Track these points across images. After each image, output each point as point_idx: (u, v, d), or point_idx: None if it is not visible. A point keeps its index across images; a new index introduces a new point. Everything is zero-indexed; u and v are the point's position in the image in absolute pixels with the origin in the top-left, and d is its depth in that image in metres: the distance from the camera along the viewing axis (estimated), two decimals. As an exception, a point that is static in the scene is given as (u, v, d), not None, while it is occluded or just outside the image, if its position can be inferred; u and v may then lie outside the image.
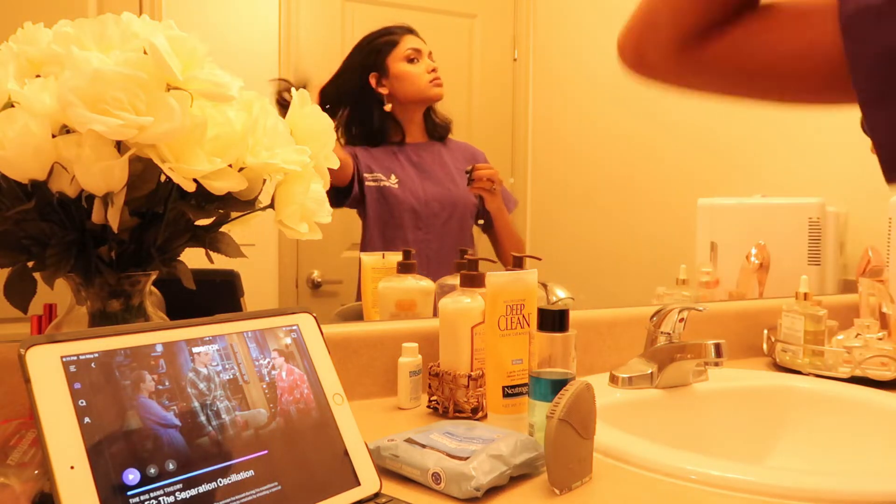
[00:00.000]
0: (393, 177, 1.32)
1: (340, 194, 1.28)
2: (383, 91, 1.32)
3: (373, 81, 1.32)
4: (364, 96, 1.32)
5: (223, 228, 0.70)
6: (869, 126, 0.44)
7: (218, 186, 0.62)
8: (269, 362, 0.61)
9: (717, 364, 1.00)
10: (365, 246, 1.30)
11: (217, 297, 1.09)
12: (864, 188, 1.49)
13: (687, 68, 0.52)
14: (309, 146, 0.69)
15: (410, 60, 1.33)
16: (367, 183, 1.30)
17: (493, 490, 0.66)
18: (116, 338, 0.53)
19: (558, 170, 1.60)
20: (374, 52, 1.33)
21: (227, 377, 0.58)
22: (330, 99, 1.31)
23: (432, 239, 1.32)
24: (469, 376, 0.89)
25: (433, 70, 1.35)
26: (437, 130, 1.39)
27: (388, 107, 1.32)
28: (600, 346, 1.18)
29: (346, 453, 0.62)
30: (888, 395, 1.02)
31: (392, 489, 0.66)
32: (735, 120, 1.69)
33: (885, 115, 0.43)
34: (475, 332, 0.90)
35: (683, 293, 1.42)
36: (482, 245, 1.40)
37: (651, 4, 0.55)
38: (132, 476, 0.49)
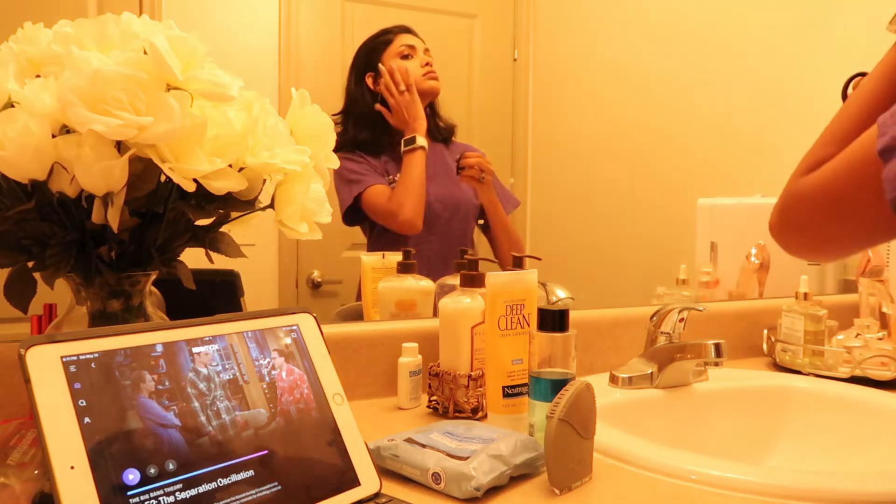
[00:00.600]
0: (397, 177, 1.32)
1: (359, 214, 1.29)
2: (380, 90, 1.32)
3: (369, 82, 1.32)
4: (363, 98, 1.32)
5: (223, 228, 0.70)
6: None
7: (218, 186, 0.62)
8: (269, 362, 0.61)
9: (717, 364, 1.00)
10: (370, 246, 1.30)
11: (217, 297, 1.09)
12: (864, 188, 1.49)
13: (793, 194, 0.59)
14: (309, 146, 0.69)
15: (404, 56, 1.33)
16: None
17: (493, 490, 0.67)
18: (116, 338, 0.53)
19: (558, 170, 1.60)
20: (369, 52, 1.33)
21: (227, 377, 0.58)
22: (344, 110, 1.32)
23: (434, 239, 1.32)
24: (469, 376, 0.89)
25: (427, 64, 1.35)
26: (441, 132, 1.38)
27: (377, 106, 1.32)
28: (600, 346, 1.18)
29: (346, 453, 0.62)
30: (888, 395, 1.02)
31: (392, 489, 0.66)
32: (735, 120, 1.69)
33: None
34: (475, 332, 0.90)
35: (683, 293, 1.42)
36: (483, 245, 1.40)
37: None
38: (132, 476, 0.49)
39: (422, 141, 1.29)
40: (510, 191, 1.47)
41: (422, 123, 1.31)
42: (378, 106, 1.32)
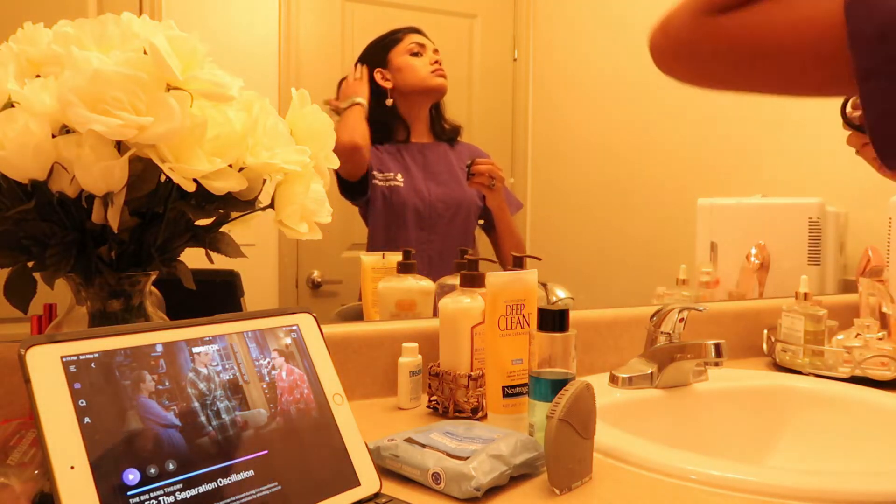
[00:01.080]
0: (399, 176, 1.32)
1: (356, 191, 1.29)
2: (387, 85, 1.33)
3: (377, 77, 1.32)
4: (370, 92, 1.32)
5: (223, 228, 0.70)
6: (863, 101, 0.48)
7: (218, 186, 0.62)
8: (269, 362, 0.61)
9: (717, 364, 1.00)
10: (369, 245, 1.30)
11: (217, 297, 1.09)
12: (864, 188, 1.50)
13: (704, 36, 0.56)
14: (309, 146, 0.69)
15: (414, 54, 1.34)
16: (375, 181, 1.30)
17: (493, 490, 0.67)
18: (116, 338, 0.53)
19: (558, 170, 1.60)
20: (378, 48, 1.34)
21: (227, 377, 0.58)
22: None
23: (435, 239, 1.32)
24: (469, 376, 0.89)
25: (436, 62, 1.35)
26: (445, 133, 1.39)
27: (389, 101, 1.33)
28: (600, 346, 1.18)
29: (346, 453, 0.62)
30: (888, 395, 1.02)
31: (392, 489, 0.66)
32: (735, 120, 1.69)
33: (878, 87, 0.47)
34: (475, 332, 0.90)
35: (683, 293, 1.42)
36: (483, 245, 1.40)
37: None
38: (132, 476, 0.49)
39: (357, 99, 1.30)
40: (512, 192, 1.47)
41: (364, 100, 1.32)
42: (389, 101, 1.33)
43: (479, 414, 0.90)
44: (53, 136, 0.58)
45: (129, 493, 0.49)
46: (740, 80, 0.57)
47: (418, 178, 1.34)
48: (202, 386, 0.56)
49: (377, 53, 1.34)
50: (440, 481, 0.65)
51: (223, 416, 0.56)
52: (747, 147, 1.73)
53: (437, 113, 1.38)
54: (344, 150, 1.26)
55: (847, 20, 0.47)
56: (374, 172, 1.31)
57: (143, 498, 0.49)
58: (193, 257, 0.69)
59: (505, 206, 1.38)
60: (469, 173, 1.35)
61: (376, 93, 1.33)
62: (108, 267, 0.64)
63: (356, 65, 1.33)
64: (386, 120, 1.33)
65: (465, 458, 0.66)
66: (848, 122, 0.80)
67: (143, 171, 0.61)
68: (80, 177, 0.58)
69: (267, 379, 0.60)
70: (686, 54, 0.58)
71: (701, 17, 0.56)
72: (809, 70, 0.52)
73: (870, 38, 0.46)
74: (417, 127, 1.36)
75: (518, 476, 0.69)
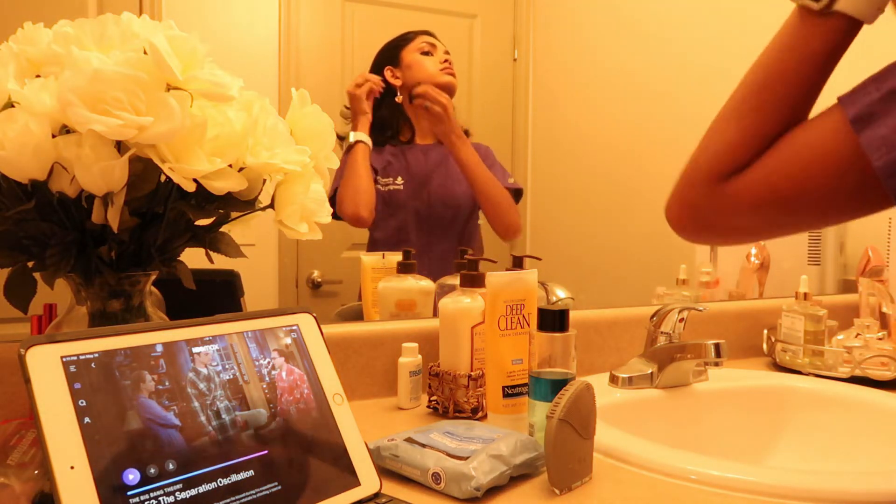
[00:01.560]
0: (399, 178, 1.32)
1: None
2: (396, 82, 1.33)
3: (387, 74, 1.33)
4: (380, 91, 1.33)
5: (223, 228, 0.70)
6: None
7: (218, 186, 0.62)
8: (269, 362, 0.61)
9: (717, 364, 1.00)
10: (370, 246, 1.30)
11: (217, 297, 1.09)
12: (864, 188, 1.49)
13: (727, 207, 0.56)
14: (309, 146, 0.69)
15: (424, 52, 1.35)
16: (377, 187, 1.30)
17: (493, 490, 0.67)
18: (116, 338, 0.53)
19: (558, 170, 1.60)
20: (391, 48, 1.35)
21: (228, 377, 0.58)
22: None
23: (435, 240, 1.32)
24: (469, 376, 0.89)
25: (446, 61, 1.36)
26: None
27: (399, 98, 1.33)
28: (600, 346, 1.18)
29: (346, 453, 0.62)
30: (888, 395, 1.02)
31: (392, 489, 0.66)
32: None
33: None
34: (475, 332, 0.90)
35: (683, 293, 1.42)
36: (485, 246, 1.40)
37: (693, 155, 0.61)
38: (132, 476, 0.49)
39: (356, 136, 1.29)
40: (505, 170, 1.44)
41: (363, 119, 1.30)
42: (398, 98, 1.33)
43: (479, 414, 0.90)
44: (53, 136, 0.58)
45: (129, 493, 0.49)
46: (777, 230, 0.57)
47: (419, 180, 1.34)
48: (202, 386, 0.56)
49: (389, 52, 1.34)
50: (440, 481, 0.65)
51: (223, 416, 0.56)
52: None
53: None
54: (349, 220, 1.27)
55: (870, 157, 0.46)
56: (377, 178, 1.31)
57: (143, 498, 0.49)
58: (193, 257, 0.69)
59: (456, 140, 1.32)
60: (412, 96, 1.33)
61: (386, 91, 1.33)
62: (108, 267, 0.64)
63: (372, 65, 1.33)
64: (392, 120, 1.33)
65: (465, 458, 0.66)
66: None
67: (143, 171, 0.61)
68: (80, 177, 0.58)
69: (267, 379, 0.60)
70: (712, 225, 0.58)
71: (714, 186, 0.56)
72: (841, 203, 0.51)
73: None
74: (423, 128, 1.36)
75: (518, 476, 0.69)
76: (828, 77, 0.55)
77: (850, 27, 0.53)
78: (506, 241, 1.38)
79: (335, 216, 1.28)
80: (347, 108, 1.32)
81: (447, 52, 1.36)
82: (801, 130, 0.52)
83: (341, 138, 1.29)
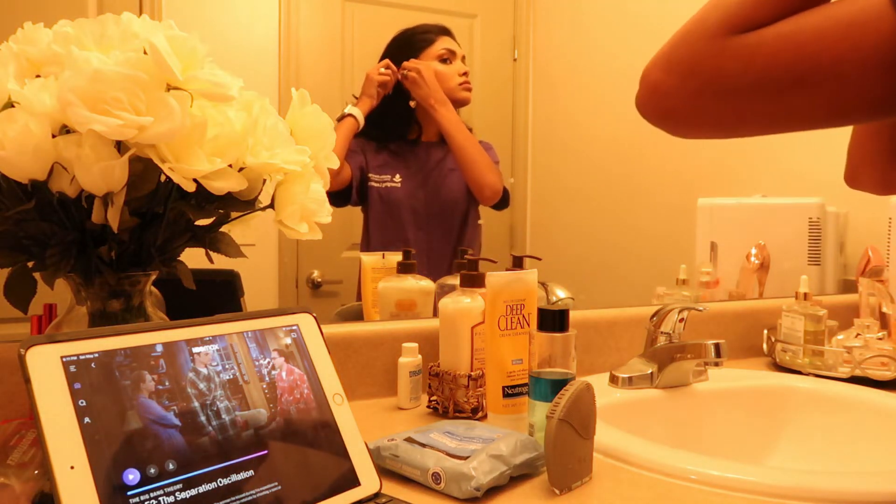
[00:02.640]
0: (397, 176, 1.32)
1: (339, 198, 1.28)
2: (407, 84, 1.32)
3: (402, 75, 1.32)
4: (392, 90, 1.32)
5: (223, 228, 0.70)
6: None
7: (218, 186, 0.62)
8: (269, 362, 0.61)
9: (717, 364, 1.00)
10: (365, 245, 1.30)
11: (217, 297, 1.09)
12: (864, 188, 1.49)
13: (731, 59, 0.46)
14: (309, 146, 0.69)
15: (443, 60, 1.34)
16: (371, 184, 1.30)
17: (493, 490, 0.67)
18: (116, 338, 0.53)
19: (558, 169, 1.60)
20: (408, 46, 1.33)
21: (227, 377, 0.58)
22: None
23: (434, 239, 1.32)
24: (469, 376, 0.89)
25: (464, 73, 1.35)
26: None
27: (413, 103, 1.32)
28: (600, 346, 1.18)
29: (346, 453, 0.62)
30: (888, 395, 1.02)
31: (392, 489, 0.66)
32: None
33: None
34: (475, 332, 0.90)
35: (683, 293, 1.42)
36: (484, 245, 1.40)
37: (696, 15, 0.50)
38: (132, 476, 0.49)
39: (352, 110, 1.28)
40: (510, 190, 1.45)
41: (365, 101, 1.29)
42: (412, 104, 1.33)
43: (479, 414, 0.90)
44: (53, 136, 0.58)
45: (129, 493, 0.49)
46: (782, 111, 0.47)
47: (418, 178, 1.34)
48: (202, 386, 0.56)
49: (408, 52, 1.33)
50: (440, 481, 0.65)
51: (223, 416, 0.56)
52: (747, 147, 1.72)
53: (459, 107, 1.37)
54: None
55: None
56: (371, 175, 1.31)
57: (143, 498, 0.49)
58: (193, 257, 0.69)
59: (436, 104, 1.31)
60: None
61: (400, 92, 1.32)
62: (108, 267, 0.64)
63: (381, 58, 1.32)
64: (402, 119, 1.33)
65: (465, 458, 0.66)
66: None
67: (143, 171, 0.61)
68: (80, 177, 0.58)
69: (267, 379, 0.60)
70: (704, 88, 0.48)
71: (720, 39, 0.47)
72: (870, 82, 0.44)
73: None
74: (430, 128, 1.36)
75: (518, 476, 0.69)
76: None
77: None
78: (487, 205, 1.36)
79: (340, 201, 1.28)
80: (356, 96, 1.31)
81: (464, 58, 1.36)
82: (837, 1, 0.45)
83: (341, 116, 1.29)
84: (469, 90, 1.36)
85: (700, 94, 0.48)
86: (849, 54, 0.43)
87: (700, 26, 0.48)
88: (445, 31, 1.36)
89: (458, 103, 1.36)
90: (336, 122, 1.26)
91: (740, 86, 0.46)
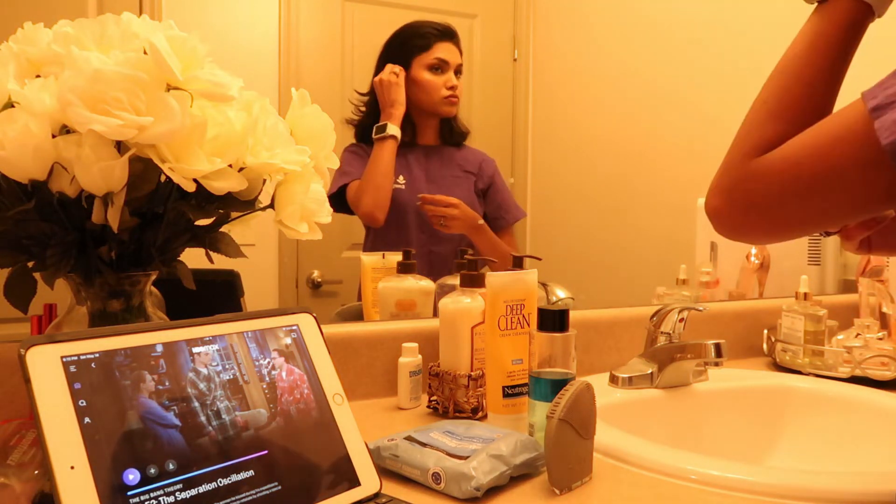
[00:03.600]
0: (401, 178, 1.32)
1: (344, 204, 1.29)
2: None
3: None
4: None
5: (223, 228, 0.70)
6: None
7: (218, 186, 0.62)
8: (269, 362, 0.61)
9: (717, 364, 1.00)
10: (368, 247, 1.30)
11: (217, 297, 1.09)
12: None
13: (755, 175, 0.58)
14: (309, 146, 0.69)
15: (434, 69, 1.32)
16: None
17: (493, 490, 0.66)
18: (116, 338, 0.53)
19: (558, 170, 1.60)
20: (402, 46, 1.33)
21: (228, 377, 0.58)
22: (368, 92, 1.32)
23: (436, 241, 1.32)
24: (469, 376, 0.89)
25: (452, 87, 1.33)
26: (454, 137, 1.38)
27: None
28: (600, 346, 1.18)
29: (346, 453, 0.62)
30: (888, 395, 1.02)
31: (392, 489, 0.66)
32: (735, 120, 1.69)
33: None
34: (475, 332, 0.90)
35: (683, 293, 1.42)
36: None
37: (728, 152, 0.62)
38: (132, 476, 0.49)
39: (393, 129, 1.28)
40: (514, 201, 1.45)
41: (399, 110, 1.29)
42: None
43: (479, 414, 0.90)
44: (53, 136, 0.58)
45: (129, 493, 0.49)
46: (813, 215, 0.56)
47: (421, 180, 1.34)
48: (202, 386, 0.56)
49: (403, 53, 1.32)
50: (440, 481, 0.65)
51: (223, 416, 0.56)
52: (747, 147, 1.72)
53: (449, 120, 1.37)
54: (363, 216, 1.26)
55: (879, 137, 0.49)
56: None
57: (143, 498, 0.49)
58: (193, 257, 0.69)
59: (472, 232, 1.33)
60: (425, 201, 1.32)
61: None
62: (108, 267, 0.64)
63: (379, 56, 1.32)
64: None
65: (465, 458, 0.66)
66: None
67: (143, 171, 0.61)
68: (80, 177, 0.58)
69: (267, 379, 0.60)
70: (748, 209, 0.58)
71: (747, 163, 0.58)
72: (857, 185, 0.53)
73: None
74: (426, 132, 1.36)
75: (518, 476, 0.69)
76: (848, 65, 0.60)
77: (862, 12, 0.58)
78: None
79: (345, 209, 1.28)
80: (358, 92, 1.31)
81: (459, 68, 1.34)
82: (827, 119, 0.55)
83: (379, 132, 1.28)
84: (454, 104, 1.35)
85: (747, 214, 0.58)
86: (842, 162, 0.52)
87: (733, 154, 0.61)
88: (446, 36, 1.34)
89: (442, 116, 1.35)
90: (378, 143, 1.27)
91: (771, 203, 0.57)
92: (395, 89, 1.29)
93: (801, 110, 0.58)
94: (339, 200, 1.28)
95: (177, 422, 0.53)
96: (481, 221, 1.34)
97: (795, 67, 0.60)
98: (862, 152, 0.51)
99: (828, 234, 0.69)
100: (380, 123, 1.29)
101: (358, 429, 0.64)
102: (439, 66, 1.33)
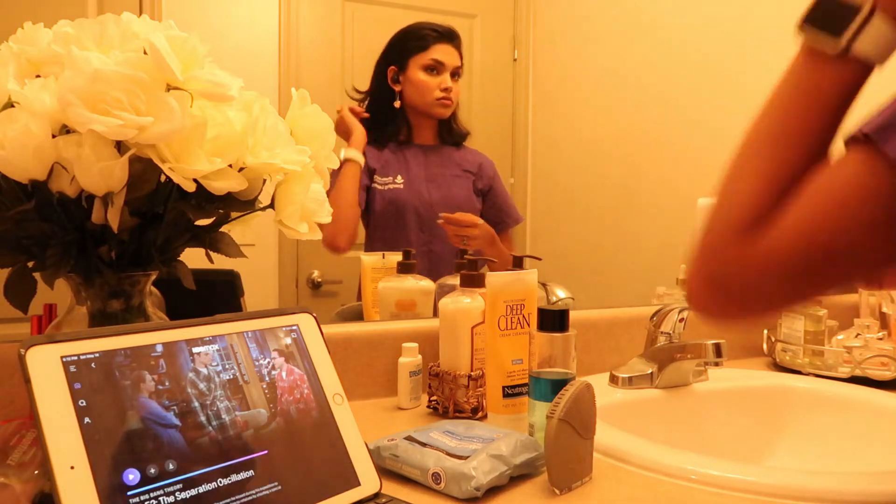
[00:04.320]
0: (399, 177, 1.32)
1: None
2: (396, 88, 1.32)
3: (390, 74, 1.32)
4: (380, 88, 1.32)
5: (223, 228, 0.70)
6: None
7: (218, 186, 0.62)
8: (269, 362, 0.61)
9: (717, 364, 1.00)
10: (369, 247, 1.30)
11: (217, 297, 1.09)
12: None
13: (755, 263, 0.50)
14: (309, 146, 0.69)
15: (429, 70, 1.32)
16: (374, 185, 1.30)
17: (493, 490, 0.66)
18: (116, 338, 0.53)
19: (558, 170, 1.60)
20: (402, 46, 1.33)
21: (227, 377, 0.58)
22: (368, 91, 1.32)
23: (436, 240, 1.32)
24: (469, 376, 0.89)
25: (446, 89, 1.33)
26: (452, 137, 1.38)
27: (397, 103, 1.32)
28: (600, 346, 1.18)
29: (346, 453, 0.62)
30: (888, 395, 1.02)
31: (392, 489, 0.66)
32: (735, 120, 1.69)
33: None
34: (475, 332, 0.90)
35: (684, 293, 1.42)
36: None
37: (708, 222, 0.55)
38: (132, 476, 0.49)
39: (350, 153, 1.26)
40: (512, 204, 1.45)
41: (356, 136, 1.27)
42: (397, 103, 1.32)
43: (479, 414, 0.90)
44: (53, 136, 0.58)
45: (129, 493, 0.49)
46: (821, 287, 0.50)
47: (419, 180, 1.34)
48: (202, 386, 0.56)
49: (400, 53, 1.32)
50: (440, 481, 0.65)
51: (223, 416, 0.56)
52: (747, 147, 1.72)
53: (447, 120, 1.37)
54: (324, 245, 1.22)
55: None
56: (375, 177, 1.31)
57: (143, 498, 0.49)
58: (193, 257, 0.69)
59: (487, 247, 1.33)
60: (445, 219, 1.31)
61: (387, 91, 1.32)
62: (108, 267, 0.64)
63: (380, 56, 1.32)
64: (391, 120, 1.33)
65: (465, 458, 0.66)
66: None
67: (143, 171, 0.61)
68: (80, 177, 0.58)
69: (267, 379, 0.60)
70: (746, 295, 0.51)
71: (742, 248, 0.50)
72: (880, 239, 0.46)
73: None
74: (423, 132, 1.36)
75: (518, 476, 0.69)
76: (844, 117, 0.52)
77: (865, 71, 0.50)
78: None
79: None
80: (357, 90, 1.31)
81: (456, 70, 1.34)
82: (825, 172, 0.49)
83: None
84: (447, 106, 1.34)
85: (745, 308, 0.52)
86: (861, 226, 0.46)
87: (717, 233, 0.52)
88: (445, 38, 1.34)
89: (434, 117, 1.35)
90: (334, 172, 1.26)
91: (770, 290, 0.50)
92: (341, 123, 1.28)
93: (794, 178, 0.50)
94: None
95: (177, 422, 0.53)
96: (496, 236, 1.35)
97: (787, 128, 0.52)
98: (867, 206, 0.45)
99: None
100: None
101: (358, 429, 0.64)
102: (435, 68, 1.32)
